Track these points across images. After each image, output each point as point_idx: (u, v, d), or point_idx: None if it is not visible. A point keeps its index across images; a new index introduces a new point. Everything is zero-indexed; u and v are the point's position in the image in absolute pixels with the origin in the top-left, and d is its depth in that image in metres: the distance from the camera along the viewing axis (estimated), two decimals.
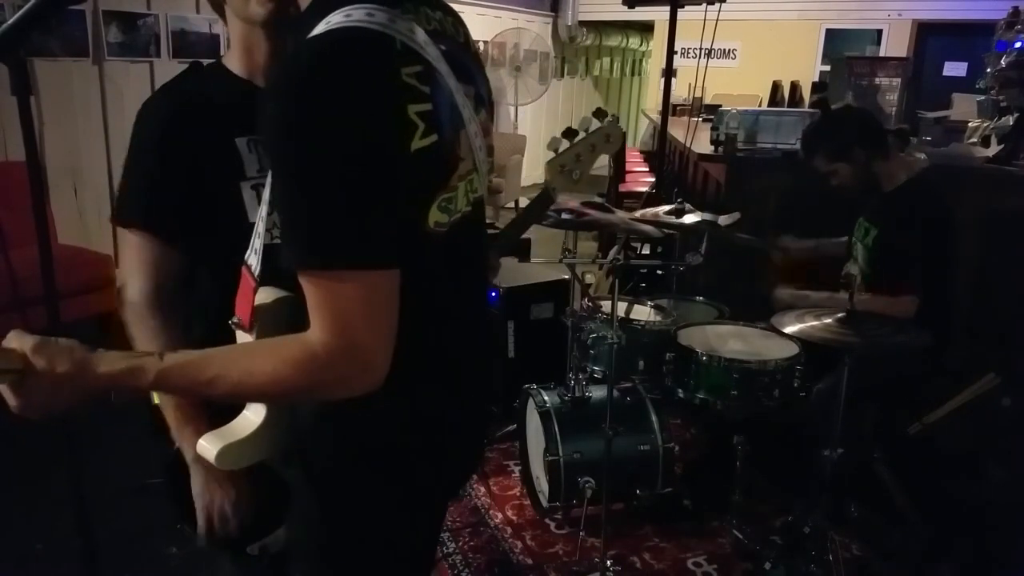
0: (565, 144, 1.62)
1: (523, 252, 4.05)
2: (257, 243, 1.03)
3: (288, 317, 1.00)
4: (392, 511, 1.10)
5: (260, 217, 1.03)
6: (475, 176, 1.02)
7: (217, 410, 1.18)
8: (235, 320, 1.07)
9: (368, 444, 1.06)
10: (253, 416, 1.10)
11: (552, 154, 1.62)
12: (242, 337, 1.07)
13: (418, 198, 0.93)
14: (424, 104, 0.90)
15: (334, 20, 0.88)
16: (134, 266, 1.30)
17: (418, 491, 1.11)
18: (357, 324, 0.87)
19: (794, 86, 7.40)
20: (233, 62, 1.33)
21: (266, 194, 1.00)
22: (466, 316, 1.12)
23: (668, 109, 4.04)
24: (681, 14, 3.72)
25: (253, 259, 1.03)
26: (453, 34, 1.05)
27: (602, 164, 10.13)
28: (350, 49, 0.87)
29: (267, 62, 1.29)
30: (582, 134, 1.62)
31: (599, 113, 1.67)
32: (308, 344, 0.88)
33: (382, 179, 0.87)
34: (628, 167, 6.72)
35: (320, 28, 0.88)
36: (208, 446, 1.11)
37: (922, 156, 3.65)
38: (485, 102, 1.10)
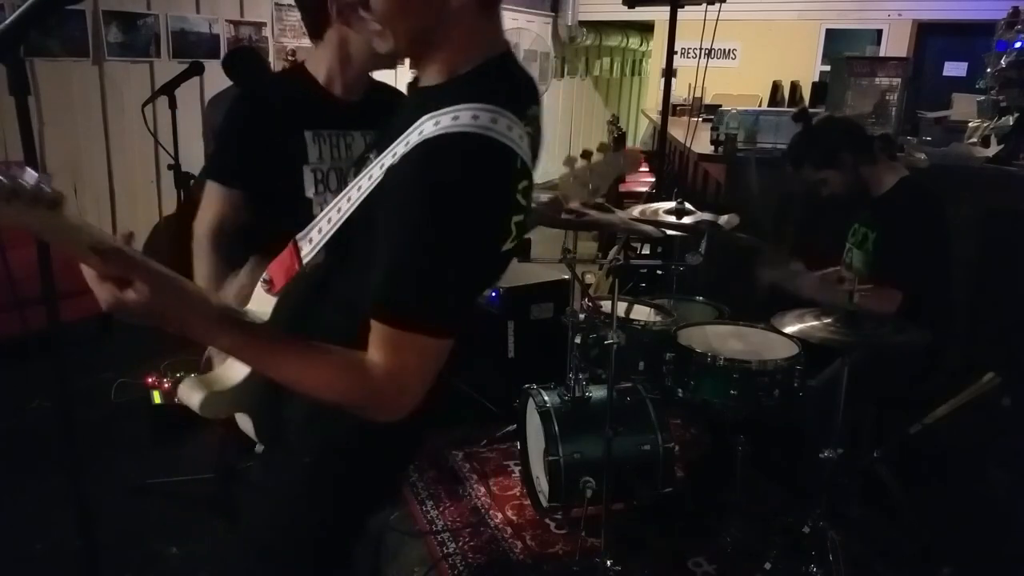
0: (581, 163, 1.67)
1: (523, 252, 4.06)
2: (316, 236, 1.14)
3: (306, 301, 1.17)
4: (350, 505, 1.25)
5: (326, 219, 1.13)
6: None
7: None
8: (266, 278, 1.19)
9: (353, 445, 1.18)
10: (239, 369, 1.18)
11: (565, 168, 1.66)
12: (262, 294, 1.19)
13: (490, 283, 1.15)
14: (520, 215, 1.01)
15: (465, 119, 0.96)
16: (207, 212, 1.63)
17: (376, 491, 1.29)
18: (411, 373, 1.00)
19: (794, 86, 7.40)
20: (317, 67, 1.62)
21: (332, 198, 1.15)
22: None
23: (668, 109, 4.03)
24: (681, 14, 3.72)
25: (307, 247, 1.15)
26: (535, 125, 1.12)
27: None
28: (490, 159, 0.97)
29: (355, 83, 1.63)
30: (598, 156, 1.65)
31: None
32: (366, 371, 0.99)
33: (478, 270, 1.03)
34: None
35: (449, 123, 0.97)
36: (191, 392, 1.18)
37: (922, 156, 3.65)
38: None
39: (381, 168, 1.04)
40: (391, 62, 1.32)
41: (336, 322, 1.12)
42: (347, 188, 1.11)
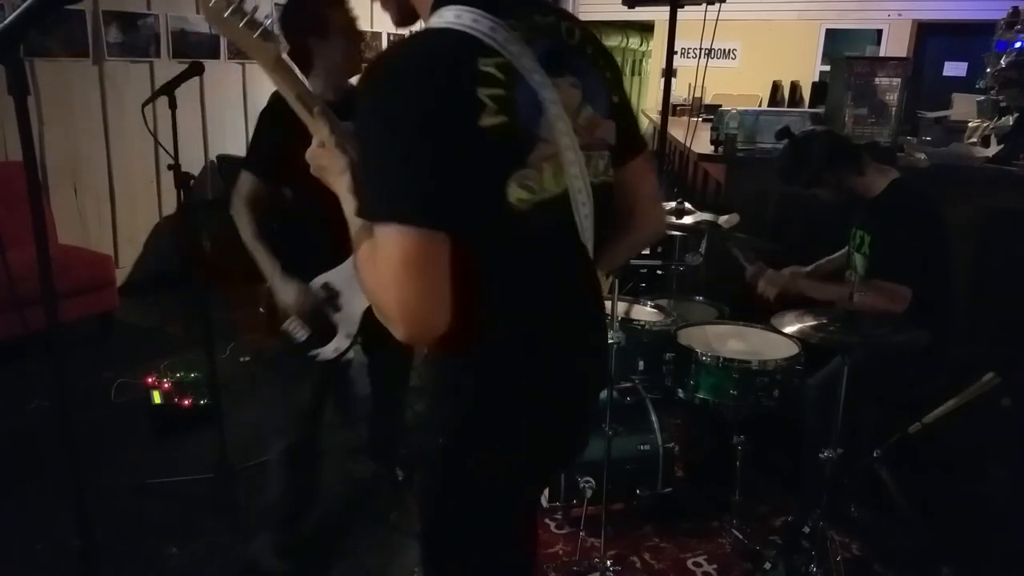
0: None
1: None
2: None
3: None
4: (471, 478, 1.21)
5: None
6: (563, 159, 1.10)
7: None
8: None
9: (459, 410, 1.19)
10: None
11: None
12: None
13: (494, 171, 1.04)
14: (496, 89, 1.02)
15: (434, 21, 1.07)
16: (243, 191, 2.11)
17: (499, 466, 1.20)
18: (396, 276, 1.00)
19: (794, 86, 7.39)
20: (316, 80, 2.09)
21: None
22: (558, 301, 1.20)
23: (668, 109, 4.03)
24: (681, 14, 3.71)
25: None
26: (563, 36, 1.17)
27: None
28: (431, 43, 1.05)
29: (336, 87, 2.10)
30: None
31: None
32: (373, 262, 1.04)
33: (446, 148, 1.00)
34: None
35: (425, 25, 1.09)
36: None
37: (922, 156, 3.65)
38: (596, 99, 1.19)
39: None
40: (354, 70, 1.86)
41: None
42: None
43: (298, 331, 1.99)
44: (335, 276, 1.86)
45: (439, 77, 1.01)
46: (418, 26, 1.18)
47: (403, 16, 1.22)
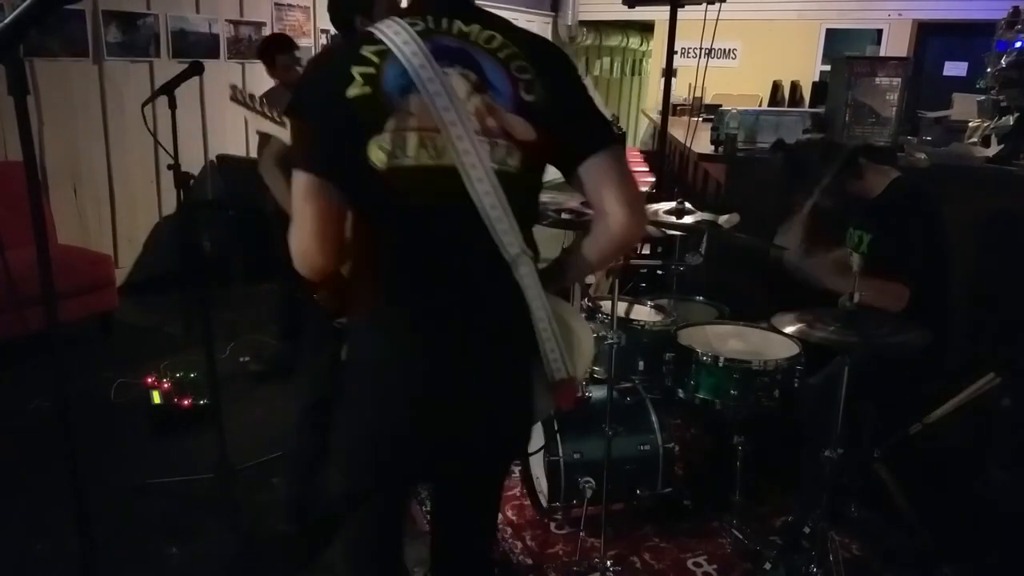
0: None
1: None
2: None
3: None
4: (359, 416, 1.41)
5: None
6: (437, 137, 1.25)
7: None
8: None
9: (352, 349, 1.40)
10: None
11: None
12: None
13: (356, 132, 1.26)
14: (368, 68, 1.26)
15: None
16: (274, 147, 2.35)
17: (380, 399, 1.37)
18: (296, 212, 1.29)
19: (794, 86, 7.39)
20: None
21: None
22: (445, 269, 1.32)
23: (668, 109, 4.03)
24: (681, 14, 3.71)
25: None
26: (470, 37, 1.32)
27: None
28: (343, 41, 1.46)
29: None
30: None
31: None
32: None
33: (322, 111, 1.29)
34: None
35: None
36: None
37: (922, 156, 3.64)
38: (496, 93, 1.29)
39: None
40: None
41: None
42: None
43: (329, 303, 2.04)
44: None
45: (330, 62, 1.36)
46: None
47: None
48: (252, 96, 1.77)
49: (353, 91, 1.24)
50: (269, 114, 1.75)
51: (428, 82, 1.24)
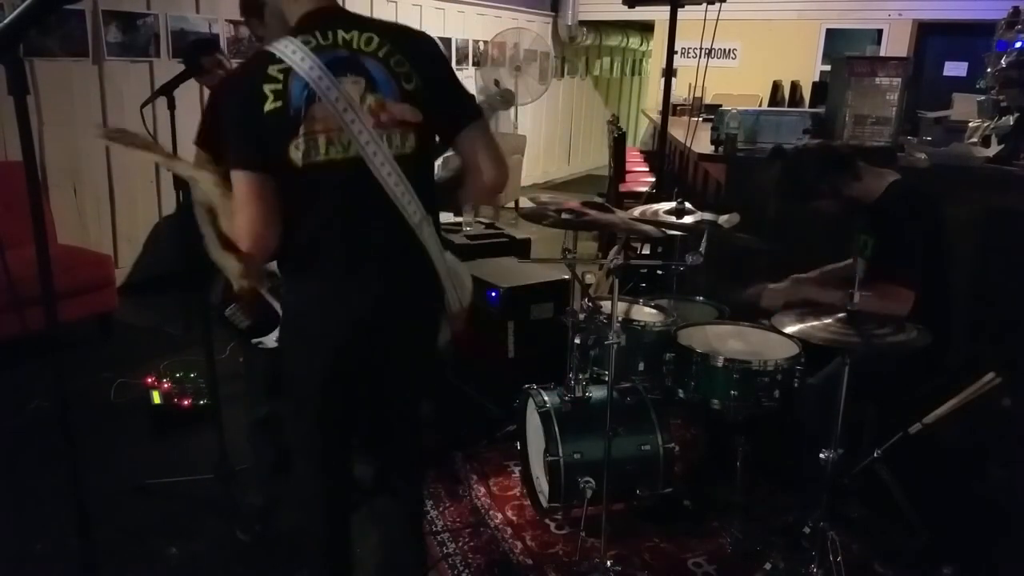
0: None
1: (523, 252, 4.05)
2: None
3: None
4: (302, 348, 1.72)
5: None
6: (342, 135, 1.55)
7: None
8: None
9: (288, 299, 1.74)
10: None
11: None
12: None
13: (277, 139, 1.54)
14: (276, 85, 1.53)
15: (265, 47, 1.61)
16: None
17: (316, 337, 1.68)
18: (239, 204, 1.55)
19: (794, 86, 7.40)
20: None
21: None
22: (363, 235, 1.64)
23: (668, 109, 4.03)
24: (681, 14, 3.71)
25: None
26: (353, 46, 1.59)
27: (602, 164, 10.14)
28: (248, 60, 1.64)
29: None
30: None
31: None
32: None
33: (247, 124, 1.55)
34: (628, 167, 6.71)
35: None
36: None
37: (922, 156, 3.64)
38: (384, 88, 1.59)
39: None
40: None
41: None
42: None
43: (240, 318, 2.09)
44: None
45: (244, 81, 1.59)
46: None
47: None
48: (130, 133, 1.71)
49: (268, 106, 1.52)
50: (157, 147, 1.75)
51: (327, 91, 1.52)
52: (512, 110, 8.49)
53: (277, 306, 1.99)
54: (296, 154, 1.54)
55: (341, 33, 1.60)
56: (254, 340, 2.10)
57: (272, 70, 1.53)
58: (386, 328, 1.72)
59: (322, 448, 1.83)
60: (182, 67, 2.57)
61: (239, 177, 1.53)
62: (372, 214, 1.62)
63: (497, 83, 2.27)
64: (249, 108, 1.53)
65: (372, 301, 1.67)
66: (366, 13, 2.21)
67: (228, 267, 2.05)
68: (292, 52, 1.53)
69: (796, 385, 2.50)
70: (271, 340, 2.05)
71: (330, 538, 1.87)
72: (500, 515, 2.74)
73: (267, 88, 1.52)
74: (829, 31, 8.62)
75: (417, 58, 1.64)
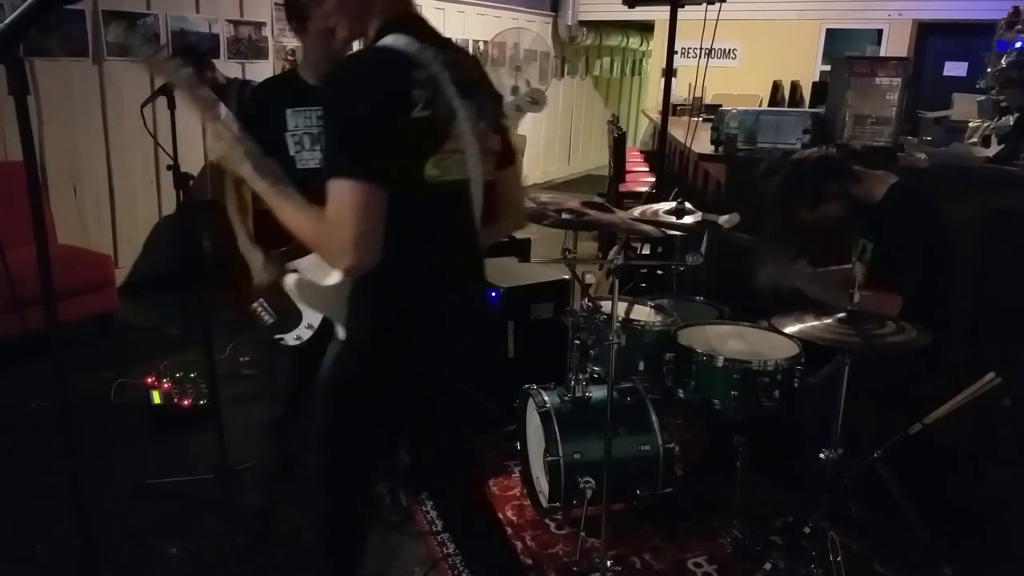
0: None
1: (523, 252, 4.05)
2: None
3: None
4: (377, 368, 1.61)
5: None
6: (462, 157, 1.51)
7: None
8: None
9: (374, 318, 1.58)
10: (333, 277, 1.63)
11: None
12: None
13: (417, 150, 1.45)
14: (426, 92, 1.43)
15: (381, 42, 1.47)
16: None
17: (395, 358, 1.60)
18: (346, 212, 1.37)
19: (794, 86, 7.39)
20: (302, 66, 2.24)
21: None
22: (447, 250, 1.61)
23: (668, 109, 4.03)
24: (681, 14, 3.72)
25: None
26: (464, 69, 1.54)
27: (602, 164, 10.14)
28: (380, 56, 1.46)
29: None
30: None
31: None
32: (321, 217, 1.40)
33: (386, 129, 1.40)
34: (628, 167, 6.72)
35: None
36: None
37: (922, 156, 3.64)
38: (488, 117, 1.58)
39: None
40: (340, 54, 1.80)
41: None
42: None
43: (264, 314, 2.10)
44: (303, 264, 1.89)
45: (386, 80, 1.42)
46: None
47: (352, 36, 1.59)
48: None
49: (417, 113, 1.41)
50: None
51: (459, 111, 1.48)
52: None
53: (300, 305, 2.00)
54: (433, 171, 1.47)
55: (449, 53, 1.54)
56: (276, 337, 2.10)
57: (418, 75, 1.42)
58: (454, 352, 1.72)
59: (370, 472, 1.82)
60: None
61: (357, 187, 1.36)
62: (464, 238, 1.64)
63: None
64: (394, 112, 1.40)
65: (453, 325, 1.66)
66: None
67: (254, 261, 2.12)
68: (428, 60, 1.45)
69: (796, 385, 2.50)
70: (291, 338, 2.06)
71: (351, 556, 1.83)
72: (500, 515, 2.74)
73: (415, 94, 1.41)
74: (829, 31, 8.62)
75: (484, 83, 1.65)
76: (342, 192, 1.36)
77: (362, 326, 1.59)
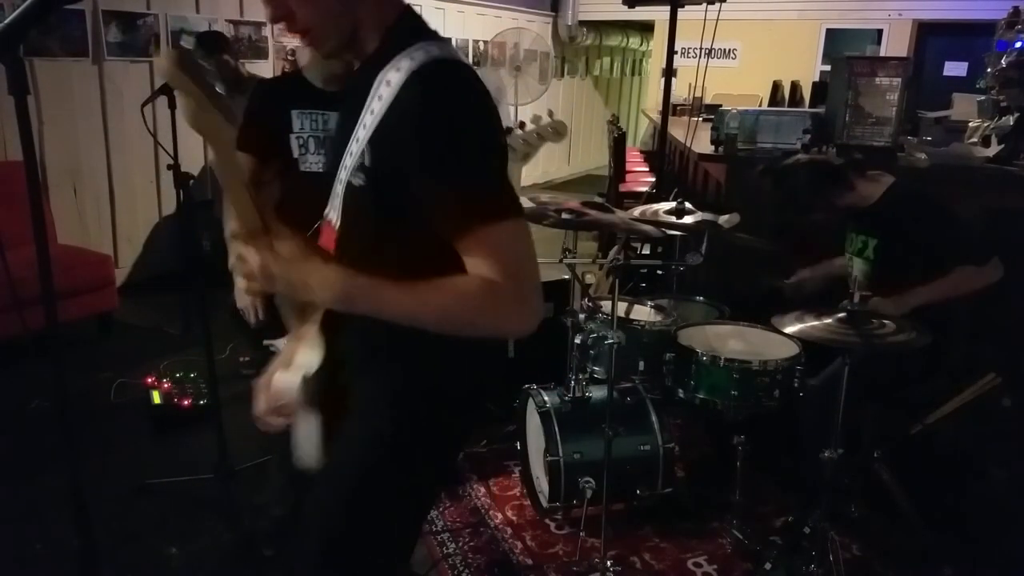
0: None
1: None
2: (337, 203, 1.26)
3: (366, 250, 1.22)
4: (442, 440, 1.37)
5: (339, 180, 1.24)
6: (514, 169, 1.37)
7: None
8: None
9: (452, 387, 1.33)
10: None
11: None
12: None
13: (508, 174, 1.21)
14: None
15: (433, 51, 1.13)
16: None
17: (464, 425, 1.42)
18: (522, 259, 1.11)
19: (794, 86, 7.39)
20: (308, 68, 2.23)
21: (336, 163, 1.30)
22: None
23: (668, 109, 4.03)
24: (681, 14, 3.71)
25: (333, 215, 1.28)
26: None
27: (602, 164, 10.13)
28: (470, 73, 1.15)
29: (328, 77, 2.15)
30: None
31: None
32: (485, 283, 1.09)
33: (502, 156, 1.17)
34: (628, 167, 6.71)
35: (421, 56, 1.13)
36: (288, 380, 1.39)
37: (922, 156, 3.64)
38: None
39: (388, 85, 1.14)
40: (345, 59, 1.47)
41: (405, 256, 1.19)
42: (354, 132, 1.21)
43: (250, 314, 2.06)
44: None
45: (490, 105, 1.15)
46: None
47: (340, 46, 1.24)
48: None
49: (502, 137, 1.22)
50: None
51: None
52: (512, 110, 8.49)
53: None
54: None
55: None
56: (265, 342, 2.07)
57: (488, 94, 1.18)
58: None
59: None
60: None
61: (524, 227, 1.14)
62: None
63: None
64: (498, 136, 1.18)
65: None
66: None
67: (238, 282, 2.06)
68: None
69: (796, 385, 2.50)
70: (280, 344, 2.01)
71: None
72: (500, 515, 2.74)
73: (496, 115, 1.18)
74: (829, 31, 8.62)
75: None
76: (514, 235, 1.10)
77: (418, 385, 1.31)
